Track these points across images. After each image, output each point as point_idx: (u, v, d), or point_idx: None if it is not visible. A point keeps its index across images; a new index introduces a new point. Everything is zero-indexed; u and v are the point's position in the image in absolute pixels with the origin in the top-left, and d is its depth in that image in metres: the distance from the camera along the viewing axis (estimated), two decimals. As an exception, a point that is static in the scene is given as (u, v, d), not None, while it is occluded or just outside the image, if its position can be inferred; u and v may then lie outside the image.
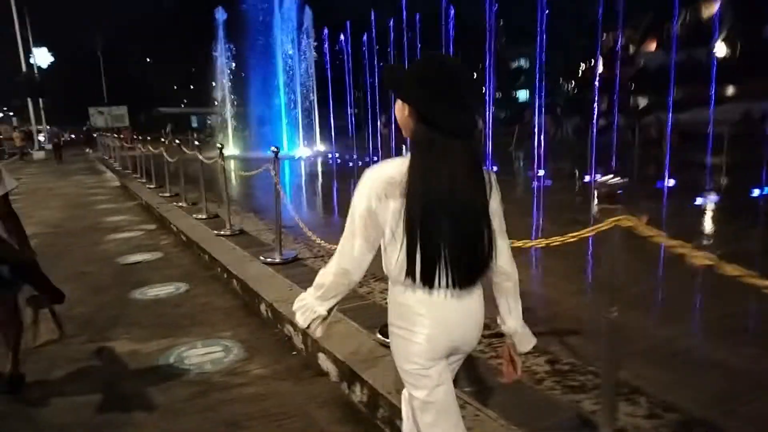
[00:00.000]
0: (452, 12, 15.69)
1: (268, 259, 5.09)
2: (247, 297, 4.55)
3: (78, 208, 10.38)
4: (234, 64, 28.54)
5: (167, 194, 10.27)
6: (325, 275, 1.51)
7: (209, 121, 48.35)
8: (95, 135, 29.98)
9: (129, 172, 15.70)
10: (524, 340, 1.62)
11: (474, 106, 1.44)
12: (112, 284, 5.26)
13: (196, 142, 8.58)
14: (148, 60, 63.63)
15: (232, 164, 14.70)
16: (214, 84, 30.95)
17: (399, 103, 1.43)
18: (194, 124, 53.70)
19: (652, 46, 32.07)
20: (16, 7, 30.23)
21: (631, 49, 31.31)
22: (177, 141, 10.69)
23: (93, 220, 8.86)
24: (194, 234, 6.66)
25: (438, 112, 1.35)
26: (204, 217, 7.68)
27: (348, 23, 22.04)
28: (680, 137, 18.10)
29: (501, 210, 1.52)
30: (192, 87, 52.99)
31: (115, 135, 24.58)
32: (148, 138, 14.87)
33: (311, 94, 26.11)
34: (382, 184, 1.39)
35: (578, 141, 20.12)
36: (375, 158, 18.84)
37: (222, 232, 6.50)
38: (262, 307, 4.17)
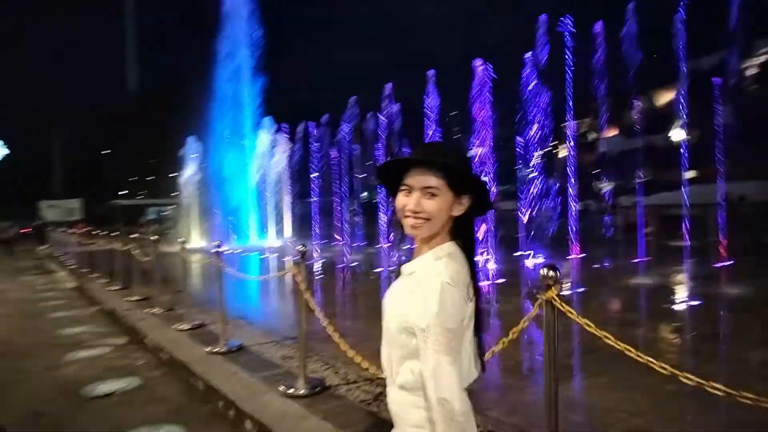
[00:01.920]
0: (434, 101, 15.52)
1: (290, 390, 3.99)
2: (271, 449, 3.42)
3: (29, 318, 8.91)
4: (196, 155, 27.81)
5: (135, 298, 8.99)
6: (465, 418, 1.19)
7: (166, 212, 46.93)
8: (48, 230, 28.18)
9: (86, 270, 14.23)
10: None
11: None
12: None
13: (181, 240, 7.45)
14: (102, 152, 62.61)
15: (198, 258, 13.54)
16: (174, 174, 30.15)
17: (448, 198, 1.30)
18: (150, 216, 52.18)
19: (612, 133, 33.41)
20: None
21: (590, 135, 32.50)
22: (155, 235, 9.64)
23: (48, 334, 7.47)
24: (180, 352, 5.48)
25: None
26: (187, 327, 6.50)
27: (326, 116, 21.94)
28: (660, 221, 18.08)
29: None
30: (151, 178, 51.90)
31: (69, 229, 23.02)
32: (113, 233, 13.65)
33: (281, 182, 25.43)
34: (465, 288, 1.28)
35: (557, 226, 19.93)
36: (357, 245, 17.94)
37: (216, 349, 5.35)
38: (301, 469, 3.06)
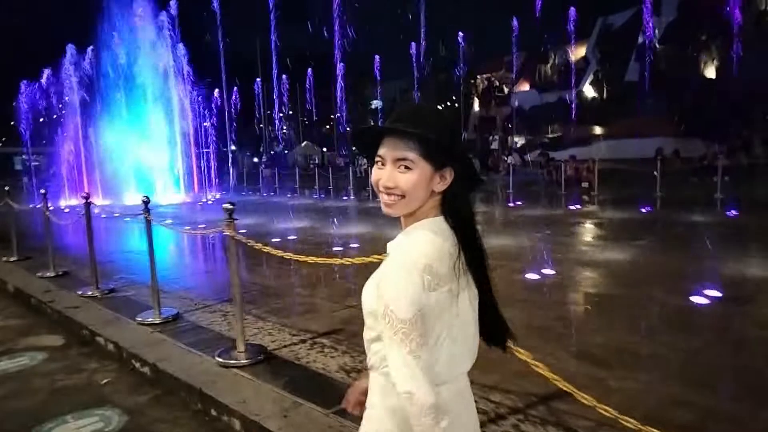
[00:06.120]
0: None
1: None
2: None
3: None
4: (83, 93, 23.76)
5: (51, 273, 6.81)
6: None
7: (36, 163, 40.96)
8: None
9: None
10: None
11: None
12: None
13: (144, 199, 5.29)
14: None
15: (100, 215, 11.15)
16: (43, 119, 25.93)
17: (427, 171, 1.13)
18: (17, 166, 45.68)
19: (525, 87, 33.46)
20: None
21: (505, 89, 32.37)
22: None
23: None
24: (176, 366, 3.75)
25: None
26: (156, 320, 4.70)
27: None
28: (597, 174, 18.10)
29: None
30: (14, 123, 44.81)
31: None
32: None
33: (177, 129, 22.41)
34: (425, 273, 1.08)
35: (500, 179, 19.42)
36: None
37: (231, 361, 3.71)
38: None
